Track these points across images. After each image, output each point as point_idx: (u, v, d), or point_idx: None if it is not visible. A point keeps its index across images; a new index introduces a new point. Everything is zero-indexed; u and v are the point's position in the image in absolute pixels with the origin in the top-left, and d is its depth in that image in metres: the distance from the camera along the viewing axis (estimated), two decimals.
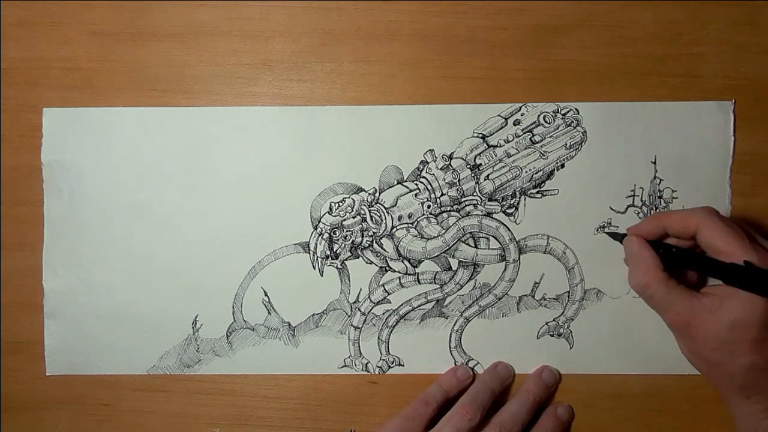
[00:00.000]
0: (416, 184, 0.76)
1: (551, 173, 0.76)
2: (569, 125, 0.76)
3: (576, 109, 0.76)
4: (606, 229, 0.76)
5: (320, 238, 0.76)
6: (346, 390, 0.77)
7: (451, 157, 0.76)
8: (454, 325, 0.77)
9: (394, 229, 0.77)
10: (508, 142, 0.76)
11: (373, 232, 0.77)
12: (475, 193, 0.76)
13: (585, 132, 0.76)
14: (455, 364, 0.77)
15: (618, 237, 0.74)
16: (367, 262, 0.77)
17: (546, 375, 0.76)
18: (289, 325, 0.77)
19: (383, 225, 0.76)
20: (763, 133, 0.76)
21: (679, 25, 0.76)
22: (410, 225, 0.77)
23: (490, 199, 0.76)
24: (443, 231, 0.76)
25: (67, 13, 0.77)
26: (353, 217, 0.76)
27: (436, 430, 0.71)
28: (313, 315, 0.77)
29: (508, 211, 0.76)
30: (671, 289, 0.67)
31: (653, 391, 0.76)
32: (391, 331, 0.77)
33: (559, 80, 0.76)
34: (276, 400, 0.77)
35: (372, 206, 0.76)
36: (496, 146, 0.76)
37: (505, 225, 0.76)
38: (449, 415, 0.71)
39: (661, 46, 0.76)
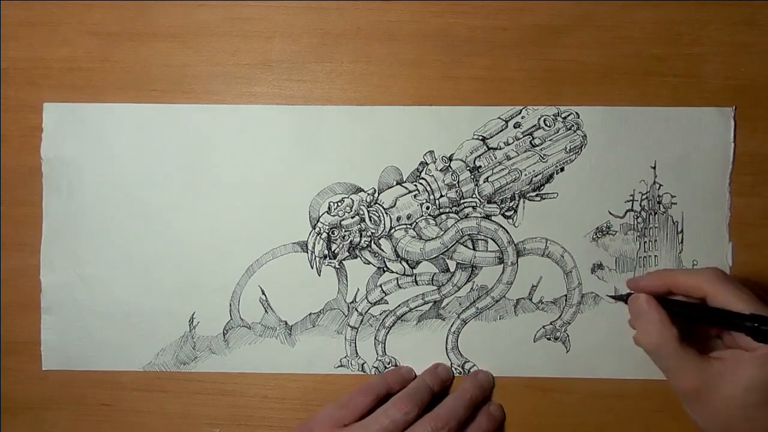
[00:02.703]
0: (415, 185, 0.76)
1: (551, 176, 0.76)
2: (570, 129, 0.76)
3: (576, 112, 0.76)
4: (609, 294, 0.75)
5: (318, 237, 0.76)
6: (345, 390, 0.76)
7: (450, 159, 0.76)
8: (451, 326, 0.77)
9: (393, 230, 0.76)
10: (508, 144, 0.76)
11: (372, 233, 0.76)
12: (474, 195, 0.76)
13: (585, 136, 0.76)
14: (452, 366, 0.77)
15: (623, 298, 0.71)
16: (364, 263, 0.77)
17: (481, 376, 0.76)
18: (286, 323, 0.77)
19: (382, 225, 0.76)
20: (763, 133, 0.75)
21: (679, 25, 0.75)
22: (409, 226, 0.76)
23: (489, 202, 0.76)
24: (442, 232, 0.76)
25: (67, 13, 0.77)
26: (352, 217, 0.76)
27: (371, 419, 0.70)
28: (310, 314, 0.77)
29: (506, 213, 0.76)
30: (683, 351, 0.65)
31: (653, 391, 0.76)
32: (388, 332, 0.77)
33: (559, 80, 0.76)
34: (276, 400, 0.78)
35: (371, 206, 0.76)
36: (496, 149, 0.76)
37: (503, 227, 0.76)
38: (386, 407, 0.71)
39: (661, 46, 0.75)
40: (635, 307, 0.69)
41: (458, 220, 0.76)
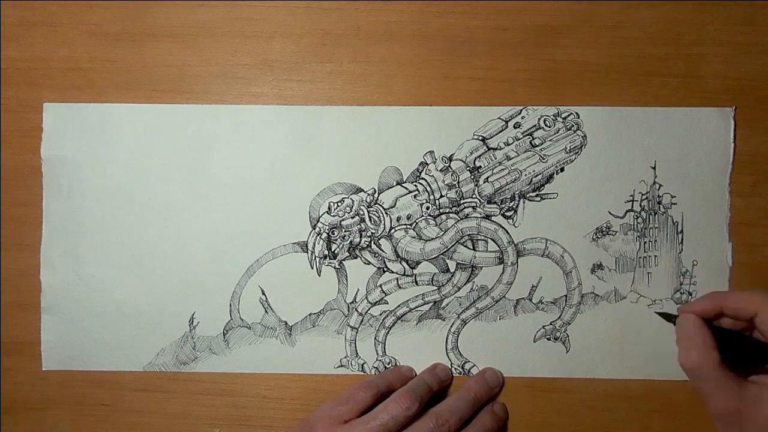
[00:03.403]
0: (415, 186, 0.76)
1: (551, 177, 0.76)
2: (570, 129, 0.76)
3: (576, 113, 0.76)
4: (658, 311, 0.74)
5: (318, 237, 0.76)
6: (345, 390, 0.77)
7: (450, 159, 0.76)
8: (451, 327, 0.77)
9: (393, 230, 0.76)
10: (508, 144, 0.76)
11: (372, 233, 0.76)
12: (474, 196, 0.76)
13: (585, 136, 0.76)
14: (452, 366, 0.77)
15: (671, 318, 0.71)
16: (365, 263, 0.77)
17: (489, 375, 0.76)
18: (286, 324, 0.77)
19: (382, 226, 0.76)
20: (763, 133, 0.75)
21: (679, 25, 0.75)
22: (409, 226, 0.76)
23: (489, 202, 0.76)
24: (441, 233, 0.76)
25: (67, 13, 0.77)
26: (352, 218, 0.76)
27: (371, 415, 0.70)
28: (310, 314, 0.77)
29: (506, 213, 0.76)
30: (723, 374, 0.64)
31: (653, 392, 0.76)
32: (388, 332, 0.77)
33: (559, 81, 0.76)
34: (276, 400, 0.78)
35: (371, 207, 0.76)
36: (496, 149, 0.76)
37: (503, 228, 0.76)
38: (386, 403, 0.71)
39: (661, 46, 0.76)
40: (682, 328, 0.68)
41: (458, 221, 0.76)
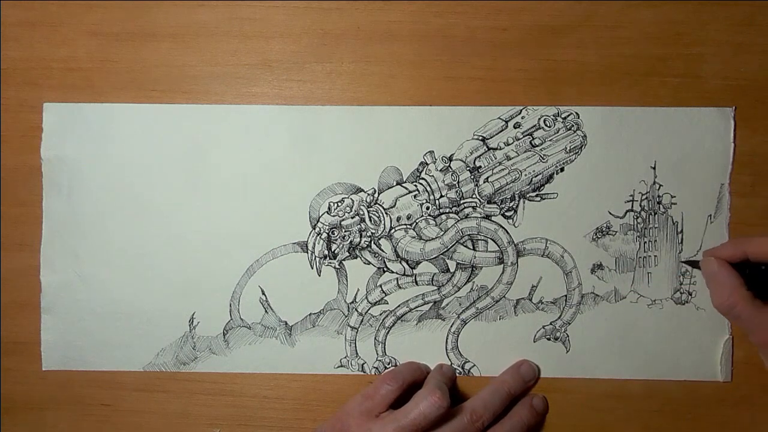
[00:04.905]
0: (415, 186, 0.76)
1: (551, 177, 0.76)
2: (570, 129, 0.76)
3: (576, 113, 0.76)
4: (683, 259, 0.75)
5: (318, 237, 0.76)
6: (346, 390, 0.77)
7: (450, 159, 0.76)
8: (451, 327, 0.77)
9: (393, 230, 0.76)
10: (508, 144, 0.76)
11: (372, 233, 0.76)
12: (474, 196, 0.76)
13: (585, 136, 0.76)
14: (451, 366, 0.77)
15: (696, 264, 0.73)
16: (365, 263, 0.77)
17: (524, 369, 0.76)
18: (286, 324, 0.77)
19: (382, 226, 0.76)
20: (763, 133, 0.75)
21: (679, 25, 0.75)
22: (409, 226, 0.76)
23: (489, 202, 0.76)
24: (441, 233, 0.76)
25: (67, 13, 0.77)
26: (352, 218, 0.76)
27: (403, 412, 0.69)
28: (310, 314, 0.77)
29: (506, 213, 0.76)
30: (758, 308, 0.66)
31: (653, 391, 0.76)
32: (388, 332, 0.77)
33: (559, 80, 0.76)
34: (276, 400, 0.78)
35: (371, 207, 0.76)
36: (496, 149, 0.76)
37: (503, 228, 0.76)
38: (417, 401, 0.70)
39: (661, 46, 0.76)
40: (708, 271, 0.70)
41: (458, 221, 0.76)
